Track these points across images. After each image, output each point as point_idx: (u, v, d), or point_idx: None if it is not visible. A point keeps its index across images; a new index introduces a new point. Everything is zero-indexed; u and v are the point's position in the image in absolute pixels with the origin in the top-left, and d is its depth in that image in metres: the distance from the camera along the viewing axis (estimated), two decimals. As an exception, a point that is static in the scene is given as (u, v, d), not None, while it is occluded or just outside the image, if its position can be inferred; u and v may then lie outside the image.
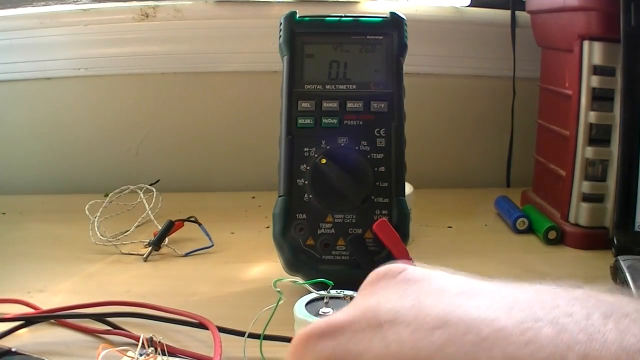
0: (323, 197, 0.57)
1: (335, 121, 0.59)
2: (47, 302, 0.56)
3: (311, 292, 0.42)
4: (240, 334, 0.47)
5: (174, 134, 0.99)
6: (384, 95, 0.59)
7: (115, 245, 0.72)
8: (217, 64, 0.96)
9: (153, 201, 0.79)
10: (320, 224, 0.57)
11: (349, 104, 0.59)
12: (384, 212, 0.57)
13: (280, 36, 0.61)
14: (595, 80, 0.69)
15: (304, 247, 0.57)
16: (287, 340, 0.46)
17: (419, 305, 0.19)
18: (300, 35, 0.61)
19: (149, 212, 0.78)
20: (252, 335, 0.45)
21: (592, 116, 0.70)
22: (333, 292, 0.42)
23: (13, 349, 0.47)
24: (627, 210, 0.64)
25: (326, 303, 0.41)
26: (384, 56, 0.60)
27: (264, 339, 0.44)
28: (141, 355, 0.44)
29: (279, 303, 0.42)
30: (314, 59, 0.60)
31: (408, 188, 0.66)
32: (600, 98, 0.69)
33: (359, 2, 0.97)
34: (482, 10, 0.98)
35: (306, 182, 0.57)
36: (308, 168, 0.58)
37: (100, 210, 0.76)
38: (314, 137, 0.58)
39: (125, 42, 0.95)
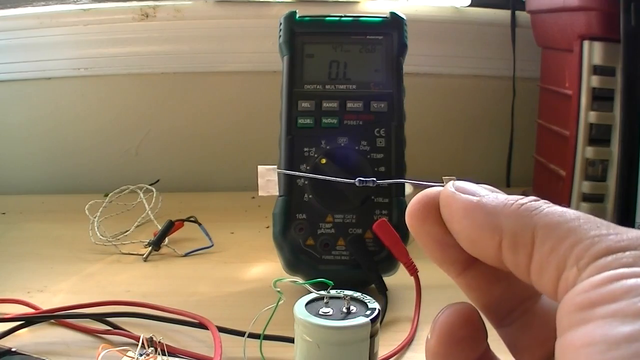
0: (323, 197, 0.57)
1: (335, 121, 0.59)
2: (47, 302, 0.56)
3: (311, 292, 0.42)
4: (240, 334, 0.47)
5: (174, 134, 0.99)
6: (384, 95, 0.59)
7: (115, 245, 0.71)
8: (217, 64, 0.96)
9: (153, 201, 0.79)
10: (320, 224, 0.57)
11: (349, 104, 0.59)
12: (384, 212, 0.57)
13: (280, 36, 0.61)
14: (595, 80, 0.69)
15: (304, 247, 0.57)
16: (287, 340, 0.46)
17: None
18: (300, 35, 0.61)
19: (149, 212, 0.78)
20: (252, 335, 0.45)
21: (592, 116, 0.70)
22: (333, 292, 0.42)
23: (13, 349, 0.46)
24: (627, 210, 0.64)
25: (326, 303, 0.41)
26: (384, 56, 0.60)
27: (264, 339, 0.44)
28: (141, 355, 0.44)
29: (279, 303, 0.42)
30: (313, 59, 0.60)
31: (408, 188, 0.66)
32: (600, 98, 0.69)
33: (359, 2, 0.97)
34: (482, 10, 0.98)
35: (306, 182, 0.57)
36: (308, 168, 0.58)
37: (100, 210, 0.76)
38: (314, 137, 0.58)
39: (125, 42, 0.95)
